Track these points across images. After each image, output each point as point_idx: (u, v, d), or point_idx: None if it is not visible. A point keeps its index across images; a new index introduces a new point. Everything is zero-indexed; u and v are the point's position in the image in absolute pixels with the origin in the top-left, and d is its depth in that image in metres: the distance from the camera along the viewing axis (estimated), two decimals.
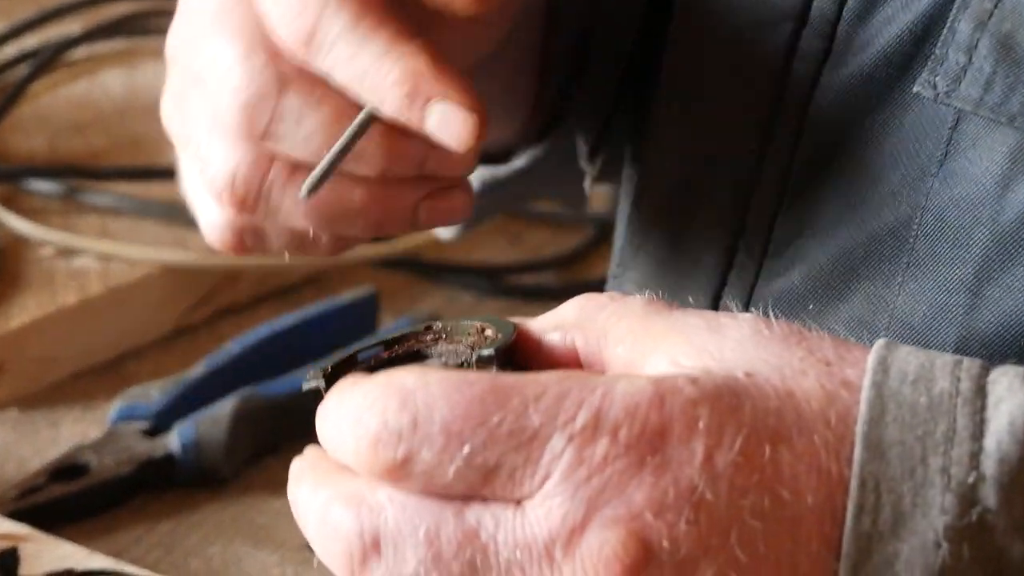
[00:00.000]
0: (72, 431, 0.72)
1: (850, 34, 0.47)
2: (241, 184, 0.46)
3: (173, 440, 0.68)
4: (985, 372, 0.35)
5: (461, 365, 0.37)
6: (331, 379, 0.37)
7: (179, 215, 0.79)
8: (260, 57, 0.45)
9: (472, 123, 0.43)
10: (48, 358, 0.77)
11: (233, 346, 0.72)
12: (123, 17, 1.02)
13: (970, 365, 0.35)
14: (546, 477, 0.32)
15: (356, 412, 0.33)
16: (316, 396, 0.37)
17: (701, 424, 0.33)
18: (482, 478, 0.32)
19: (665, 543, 0.32)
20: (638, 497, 0.32)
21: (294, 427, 0.68)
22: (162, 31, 1.02)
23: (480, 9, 0.44)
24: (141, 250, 0.78)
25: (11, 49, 0.97)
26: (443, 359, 0.38)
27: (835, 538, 0.33)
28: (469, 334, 0.38)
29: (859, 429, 0.33)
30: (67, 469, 0.68)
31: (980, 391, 0.35)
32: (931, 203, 0.45)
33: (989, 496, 0.33)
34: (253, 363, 0.72)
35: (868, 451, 0.33)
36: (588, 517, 0.32)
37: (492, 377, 0.34)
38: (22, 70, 0.95)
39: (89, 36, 0.99)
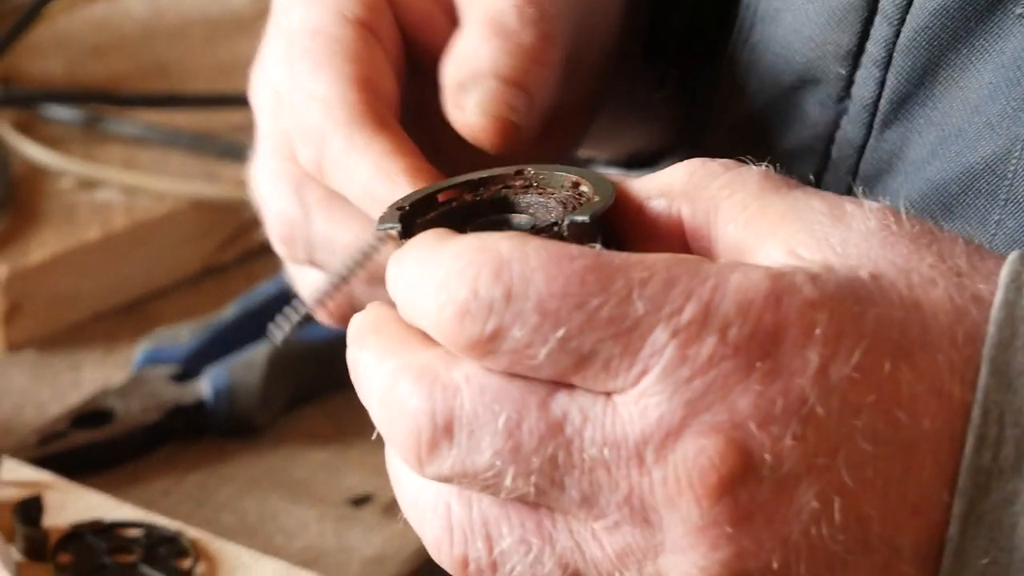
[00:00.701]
0: (94, 375, 0.73)
1: None
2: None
3: (204, 386, 0.69)
4: None
5: (552, 227, 0.35)
6: (407, 222, 0.36)
7: (208, 146, 0.82)
8: (286, 185, 0.47)
9: None
10: (68, 297, 0.77)
11: (268, 286, 0.73)
12: None
13: None
14: (644, 372, 0.32)
15: (443, 275, 0.32)
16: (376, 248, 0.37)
17: (818, 330, 0.32)
18: (574, 364, 0.32)
19: (767, 456, 0.32)
20: (742, 404, 0.32)
21: (334, 374, 0.69)
22: None
23: (503, 149, 0.45)
24: (168, 182, 0.79)
25: None
26: (532, 211, 0.37)
27: (950, 469, 0.33)
28: (563, 187, 0.37)
29: (986, 353, 0.33)
30: (90, 415, 0.69)
31: None
32: None
33: None
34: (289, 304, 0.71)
35: (994, 378, 0.33)
36: (686, 421, 0.32)
37: (596, 254, 0.33)
38: None
39: None
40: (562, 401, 0.33)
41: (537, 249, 0.33)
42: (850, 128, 0.49)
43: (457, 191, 0.38)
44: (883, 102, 0.48)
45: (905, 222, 0.36)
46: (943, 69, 0.47)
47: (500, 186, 0.38)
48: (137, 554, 0.61)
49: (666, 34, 0.58)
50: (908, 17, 0.48)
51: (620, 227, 0.37)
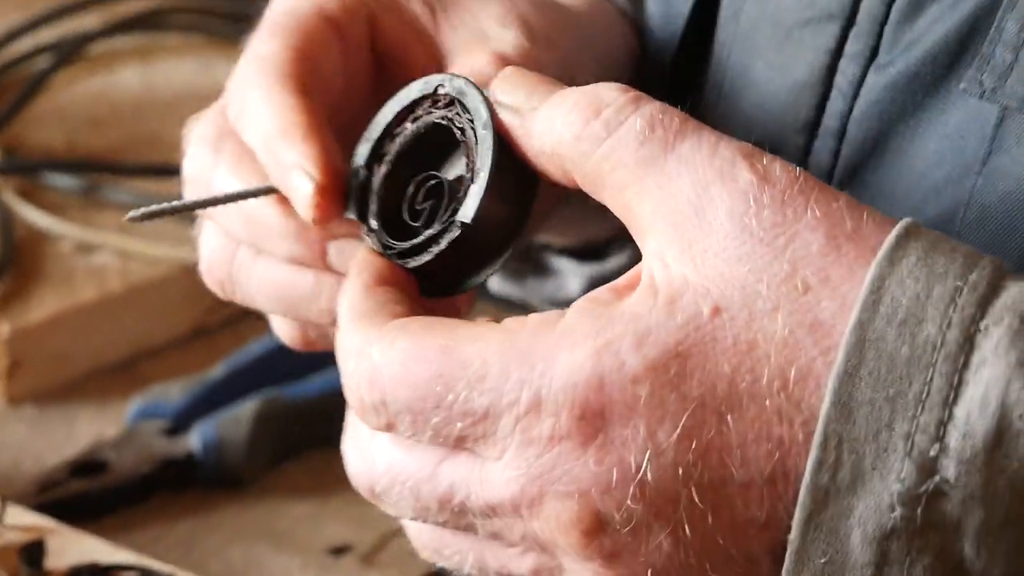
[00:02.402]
0: (88, 429, 0.74)
1: (897, 34, 0.48)
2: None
3: (194, 440, 0.70)
4: (981, 312, 0.35)
5: (468, 172, 0.40)
6: (362, 198, 0.42)
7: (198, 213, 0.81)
8: (206, 140, 0.48)
9: (308, 193, 0.43)
10: (65, 355, 0.78)
11: (255, 347, 0.74)
12: (141, 13, 1.06)
13: (968, 300, 0.35)
14: (504, 450, 0.36)
15: (344, 376, 0.38)
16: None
17: (642, 403, 0.35)
18: (453, 442, 0.36)
19: (615, 515, 0.35)
20: (584, 477, 0.35)
21: (316, 432, 0.70)
22: (179, 27, 1.03)
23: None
24: (160, 248, 0.80)
25: (29, 42, 1.01)
26: (449, 159, 0.42)
27: (789, 495, 0.35)
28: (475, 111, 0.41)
29: (831, 384, 0.34)
30: (86, 465, 0.69)
31: (967, 342, 0.35)
32: (975, 199, 0.46)
33: (948, 468, 0.34)
34: (275, 365, 0.74)
35: (836, 409, 0.34)
36: (543, 489, 0.36)
37: (441, 353, 0.37)
38: (40, 63, 0.99)
39: (107, 31, 1.03)
40: (447, 473, 0.37)
41: (400, 352, 0.37)
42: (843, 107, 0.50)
43: (400, 117, 0.42)
44: (838, 170, 0.49)
45: (765, 211, 0.37)
46: (892, 139, 0.48)
47: (429, 105, 0.42)
48: None
49: None
50: (861, 91, 0.48)
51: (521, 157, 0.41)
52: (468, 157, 0.41)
